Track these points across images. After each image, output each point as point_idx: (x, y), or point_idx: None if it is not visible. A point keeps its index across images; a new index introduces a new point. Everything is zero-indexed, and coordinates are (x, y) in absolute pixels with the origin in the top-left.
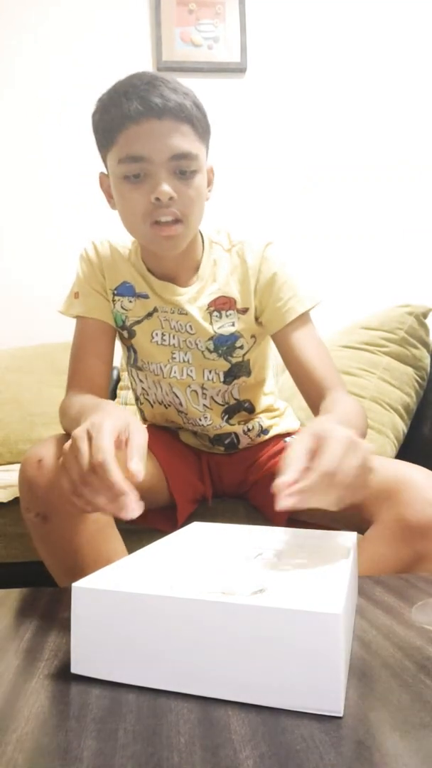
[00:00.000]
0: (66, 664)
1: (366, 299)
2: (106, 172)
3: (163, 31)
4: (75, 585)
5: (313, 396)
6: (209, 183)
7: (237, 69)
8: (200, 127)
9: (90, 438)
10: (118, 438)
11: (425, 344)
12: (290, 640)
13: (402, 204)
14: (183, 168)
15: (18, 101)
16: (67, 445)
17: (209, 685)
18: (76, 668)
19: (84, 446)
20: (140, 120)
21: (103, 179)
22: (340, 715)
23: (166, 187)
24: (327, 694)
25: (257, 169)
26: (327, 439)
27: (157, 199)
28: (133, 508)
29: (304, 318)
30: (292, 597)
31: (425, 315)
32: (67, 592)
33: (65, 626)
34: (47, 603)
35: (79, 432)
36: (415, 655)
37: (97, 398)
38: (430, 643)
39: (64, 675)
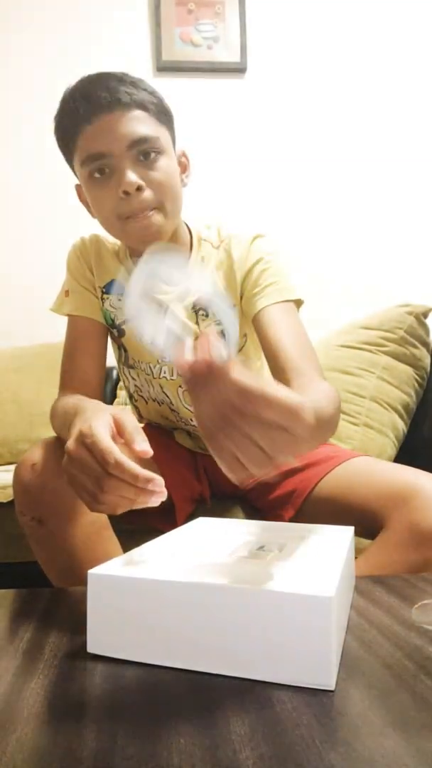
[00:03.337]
0: (65, 665)
1: (366, 299)
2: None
3: (162, 31)
4: (90, 572)
5: (280, 381)
6: (184, 169)
7: (237, 69)
8: (155, 110)
9: (86, 446)
10: (112, 432)
11: (425, 344)
12: (288, 620)
13: (402, 204)
14: (146, 150)
15: (16, 101)
16: (65, 462)
17: (214, 663)
18: (91, 648)
19: (85, 456)
20: (91, 119)
21: (79, 190)
22: (332, 689)
23: (132, 176)
24: (320, 669)
25: (257, 169)
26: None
27: (126, 192)
28: (162, 490)
29: (284, 307)
30: (292, 582)
31: (425, 314)
32: (65, 593)
33: (64, 627)
34: (46, 603)
35: (72, 445)
36: (415, 655)
37: (79, 400)
38: (430, 643)
39: (63, 675)
